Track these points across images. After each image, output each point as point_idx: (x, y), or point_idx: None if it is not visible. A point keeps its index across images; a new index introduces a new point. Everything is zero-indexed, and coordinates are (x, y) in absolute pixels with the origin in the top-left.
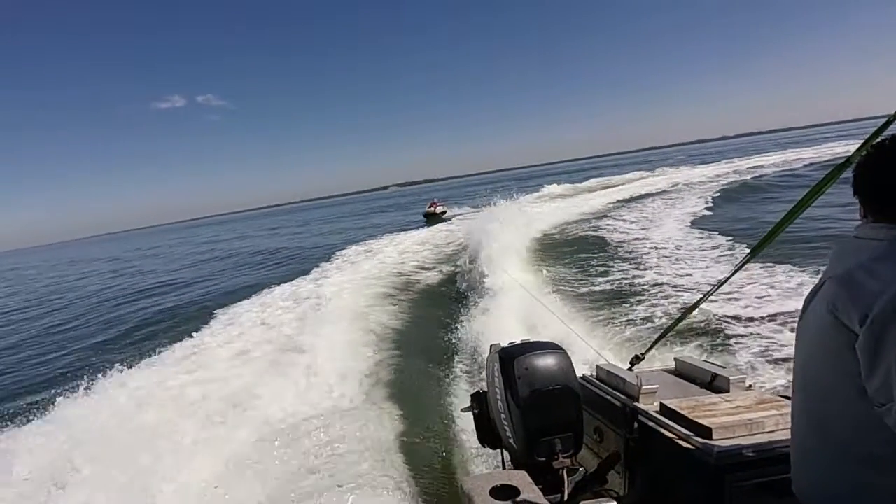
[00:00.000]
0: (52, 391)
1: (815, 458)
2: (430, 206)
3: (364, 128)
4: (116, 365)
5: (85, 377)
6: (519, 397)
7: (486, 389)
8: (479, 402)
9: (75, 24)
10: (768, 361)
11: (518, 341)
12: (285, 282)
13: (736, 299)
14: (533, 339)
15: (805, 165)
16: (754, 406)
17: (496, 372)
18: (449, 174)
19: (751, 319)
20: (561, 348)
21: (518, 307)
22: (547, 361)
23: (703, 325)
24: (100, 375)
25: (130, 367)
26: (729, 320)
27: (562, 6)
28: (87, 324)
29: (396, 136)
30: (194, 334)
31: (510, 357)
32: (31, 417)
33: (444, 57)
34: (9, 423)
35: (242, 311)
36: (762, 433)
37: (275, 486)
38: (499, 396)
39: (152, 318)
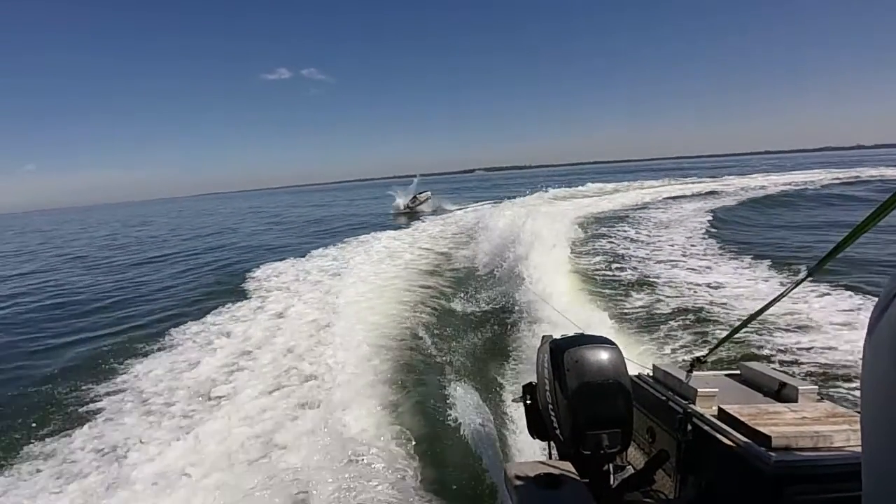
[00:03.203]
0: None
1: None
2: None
3: (452, 114)
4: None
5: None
6: (567, 389)
7: (536, 381)
8: (531, 393)
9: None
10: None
11: (570, 334)
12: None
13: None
14: (587, 333)
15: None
16: (823, 419)
17: (546, 362)
18: (537, 162)
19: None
20: (614, 343)
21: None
22: (598, 355)
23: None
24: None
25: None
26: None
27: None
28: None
29: (485, 122)
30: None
31: (560, 349)
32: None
33: (535, 49)
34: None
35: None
36: (829, 448)
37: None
38: (547, 387)
39: (309, 237)
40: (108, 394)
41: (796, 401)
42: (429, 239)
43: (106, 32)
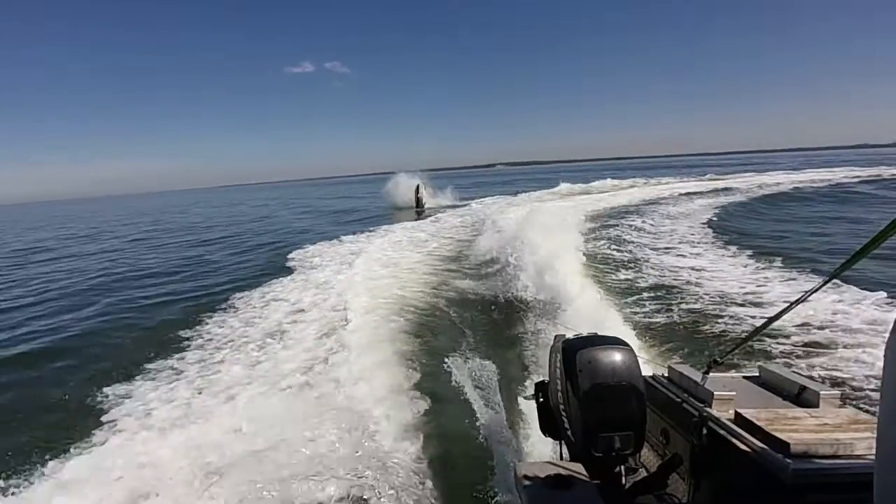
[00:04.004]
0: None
1: None
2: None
3: (474, 109)
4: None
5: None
6: (579, 390)
7: (549, 380)
8: (543, 392)
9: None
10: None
11: (584, 334)
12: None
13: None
14: (600, 333)
15: None
16: (845, 425)
17: (558, 363)
18: (557, 158)
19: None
20: (627, 344)
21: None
22: (611, 356)
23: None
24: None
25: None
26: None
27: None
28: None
29: (507, 118)
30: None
31: (573, 349)
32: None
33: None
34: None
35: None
36: (850, 456)
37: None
38: (559, 387)
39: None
40: (198, 335)
41: (817, 406)
42: (447, 230)
43: (132, 26)
